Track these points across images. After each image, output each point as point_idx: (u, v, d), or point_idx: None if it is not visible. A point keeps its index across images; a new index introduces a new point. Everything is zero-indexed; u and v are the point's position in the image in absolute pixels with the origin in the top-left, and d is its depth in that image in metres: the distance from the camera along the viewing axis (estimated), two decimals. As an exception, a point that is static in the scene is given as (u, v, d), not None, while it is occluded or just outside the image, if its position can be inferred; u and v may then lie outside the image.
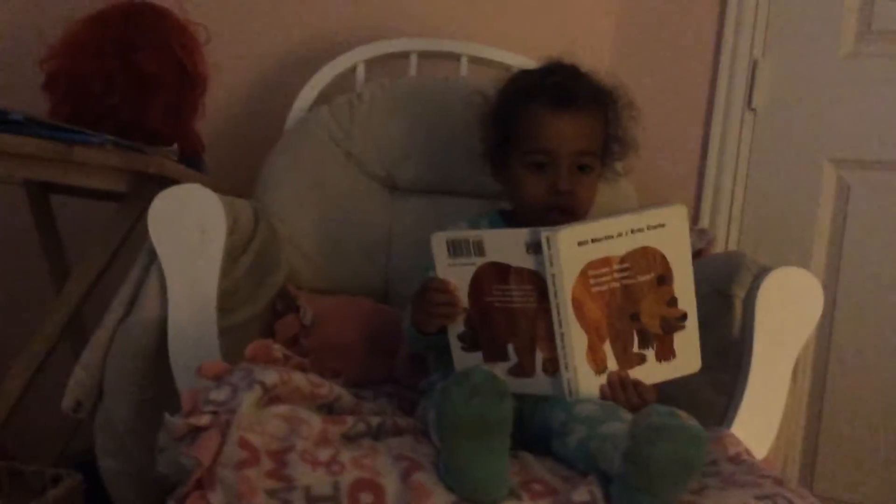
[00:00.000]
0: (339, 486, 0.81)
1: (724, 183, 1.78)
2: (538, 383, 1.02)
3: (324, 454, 0.84)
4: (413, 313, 1.10)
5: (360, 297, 1.45)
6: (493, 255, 1.00)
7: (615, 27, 1.91)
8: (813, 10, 1.70)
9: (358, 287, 1.48)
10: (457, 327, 1.05)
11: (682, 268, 1.02)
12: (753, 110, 1.76)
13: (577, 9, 1.90)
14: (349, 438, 0.90)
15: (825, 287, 1.64)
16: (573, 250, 0.95)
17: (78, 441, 1.22)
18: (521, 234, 0.97)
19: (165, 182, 1.16)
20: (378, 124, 1.51)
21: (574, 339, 0.97)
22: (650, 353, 1.02)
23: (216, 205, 1.10)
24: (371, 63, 1.63)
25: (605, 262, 0.98)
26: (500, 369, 1.02)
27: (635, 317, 1.01)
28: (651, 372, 1.03)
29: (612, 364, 1.01)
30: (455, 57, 1.66)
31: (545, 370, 1.01)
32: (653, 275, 1.00)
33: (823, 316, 1.63)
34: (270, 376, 0.89)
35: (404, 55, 1.65)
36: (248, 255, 1.20)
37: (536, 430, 1.02)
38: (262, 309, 1.28)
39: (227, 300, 1.14)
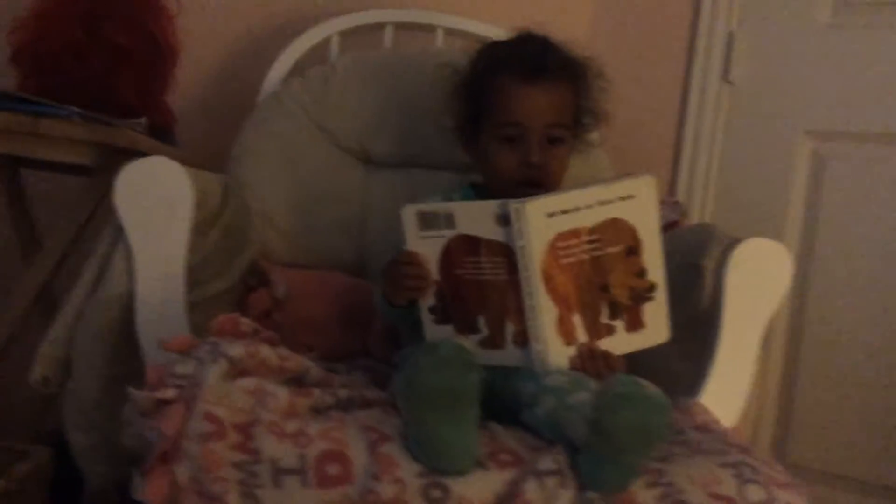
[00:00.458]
0: (305, 457, 0.82)
1: (701, 155, 1.78)
2: (509, 355, 1.02)
3: (291, 426, 0.84)
4: (384, 286, 1.10)
5: (333, 271, 1.45)
6: (464, 227, 1.00)
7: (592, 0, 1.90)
8: (789, -19, 1.70)
9: (332, 261, 1.47)
10: (428, 300, 1.05)
11: (652, 239, 1.02)
12: (730, 82, 1.76)
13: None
14: (317, 411, 0.91)
15: (799, 258, 1.67)
16: (542, 222, 0.95)
17: (49, 416, 1.22)
18: (491, 206, 0.97)
19: (134, 155, 1.15)
20: (352, 97, 1.50)
21: (543, 311, 0.98)
22: (619, 324, 1.03)
23: (183, 178, 1.09)
24: (345, 35, 1.62)
25: (575, 233, 0.98)
26: (470, 341, 1.02)
27: (605, 288, 1.01)
28: (620, 342, 1.03)
29: (581, 335, 1.01)
30: (430, 28, 1.64)
31: (515, 342, 1.01)
32: (622, 246, 1.00)
33: (797, 287, 1.66)
34: (236, 350, 0.89)
35: (379, 27, 1.63)
36: (217, 229, 1.19)
37: (507, 402, 1.02)
38: (233, 283, 1.27)
39: (196, 274, 1.14)
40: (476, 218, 0.99)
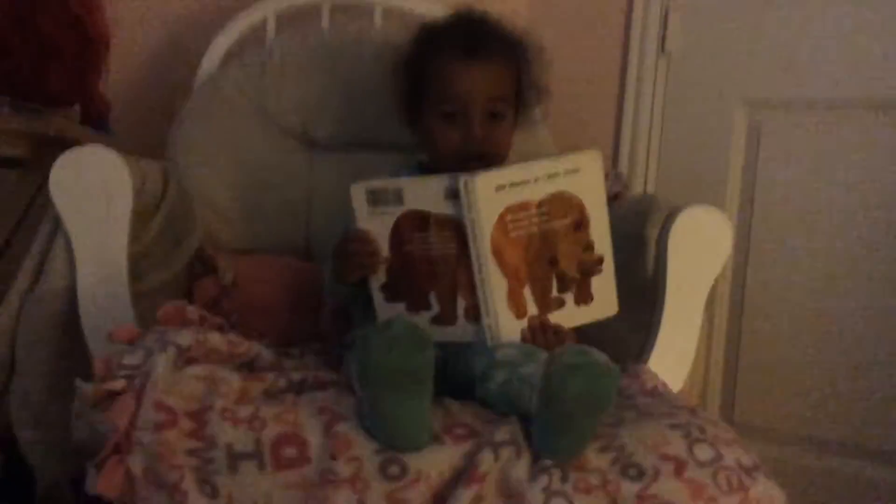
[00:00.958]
0: (261, 441, 0.82)
1: (641, 126, 1.80)
2: (461, 331, 1.03)
3: (244, 411, 0.84)
4: (334, 265, 1.10)
5: (281, 256, 1.44)
6: (413, 203, 1.00)
7: (530, -26, 1.91)
8: (722, -48, 1.73)
9: (279, 246, 1.46)
10: (378, 278, 1.06)
11: (598, 212, 1.03)
12: (667, 53, 1.79)
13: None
14: (270, 395, 0.90)
15: (739, 226, 1.70)
16: (491, 195, 0.96)
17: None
18: (440, 181, 0.98)
19: (68, 145, 1.12)
20: (291, 80, 1.48)
21: (494, 285, 0.99)
22: (569, 297, 1.04)
23: (120, 166, 1.07)
24: (281, 16, 1.59)
25: (523, 206, 0.99)
26: (422, 318, 1.03)
27: (553, 261, 1.02)
28: (570, 315, 1.05)
29: (532, 309, 1.02)
30: (368, 9, 1.63)
31: (467, 317, 1.02)
32: (570, 219, 1.02)
33: (738, 253, 1.70)
34: (185, 338, 0.88)
35: (316, 7, 1.61)
36: (158, 218, 1.17)
37: (460, 377, 1.03)
38: (177, 272, 1.26)
39: (139, 264, 1.12)
40: (425, 193, 0.99)
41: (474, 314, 1.01)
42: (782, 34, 1.67)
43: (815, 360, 1.64)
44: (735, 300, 1.73)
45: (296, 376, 0.95)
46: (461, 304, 1.02)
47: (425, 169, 1.26)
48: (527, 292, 1.01)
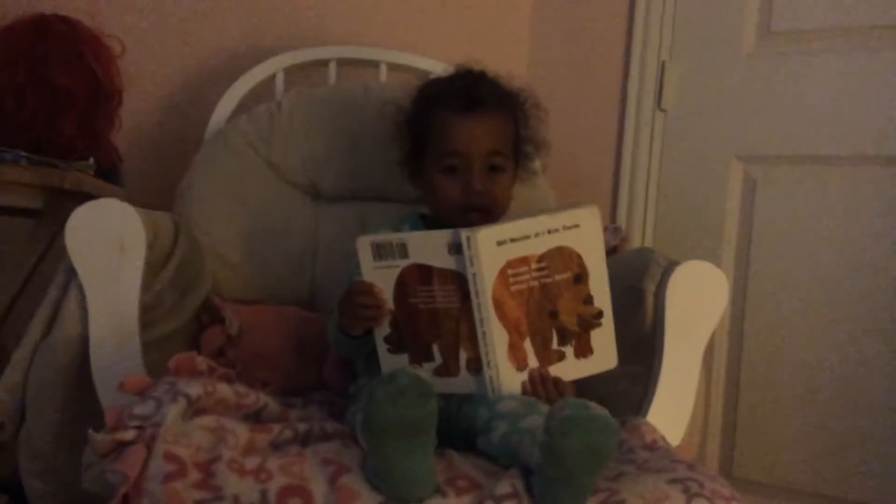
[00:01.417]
0: (267, 493, 0.82)
1: (638, 181, 1.84)
2: (463, 382, 1.04)
3: (251, 462, 0.85)
4: (340, 317, 1.11)
5: (286, 306, 1.45)
6: (417, 256, 1.02)
7: (530, 34, 1.96)
8: (716, 14, 1.77)
9: (284, 296, 1.48)
10: (383, 329, 1.07)
11: (597, 267, 1.05)
12: (664, 110, 1.83)
13: (492, 16, 1.94)
14: (276, 446, 0.91)
15: (736, 279, 1.73)
16: (492, 250, 0.98)
17: (4, 463, 1.20)
18: (443, 236, 1.00)
19: (83, 197, 1.15)
20: (299, 133, 1.51)
21: (495, 337, 1.00)
22: (569, 350, 1.06)
23: (134, 219, 1.09)
24: (290, 71, 1.64)
25: (524, 261, 1.01)
26: (425, 370, 1.04)
27: (554, 315, 1.04)
28: (570, 368, 1.06)
29: (532, 361, 1.04)
30: (374, 64, 1.68)
31: (469, 369, 1.03)
32: (569, 274, 1.04)
33: (735, 306, 1.72)
34: (195, 388, 0.89)
35: (323, 63, 1.66)
36: (169, 268, 1.19)
37: (462, 428, 1.04)
38: (186, 321, 1.27)
39: (149, 314, 1.14)
40: (428, 247, 1.01)
41: (476, 366, 1.03)
42: (775, 92, 1.71)
43: (814, 414, 1.65)
44: (733, 353, 1.74)
45: (301, 427, 0.96)
46: (463, 356, 1.03)
47: (427, 221, 1.29)
48: (527, 345, 1.03)
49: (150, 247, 1.12)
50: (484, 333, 1.00)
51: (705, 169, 1.78)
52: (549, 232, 1.01)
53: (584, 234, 1.03)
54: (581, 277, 1.04)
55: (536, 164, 1.38)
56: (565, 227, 1.02)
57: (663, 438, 1.06)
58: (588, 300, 1.06)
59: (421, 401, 0.83)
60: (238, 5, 1.81)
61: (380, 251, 1.03)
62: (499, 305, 1.00)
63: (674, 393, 1.13)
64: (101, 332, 1.07)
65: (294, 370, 1.35)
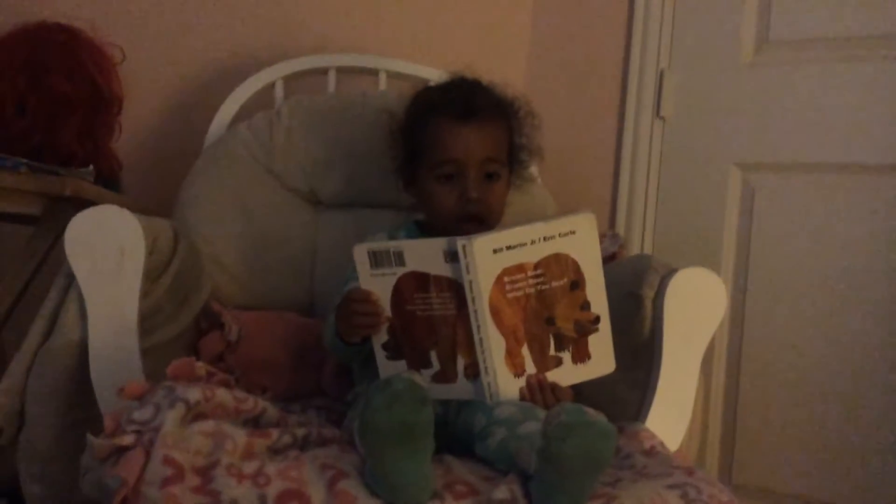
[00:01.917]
0: (265, 498, 0.82)
1: (638, 189, 1.84)
2: (460, 388, 1.05)
3: (249, 467, 0.85)
4: (338, 324, 1.12)
5: (285, 312, 1.46)
6: (413, 264, 1.02)
7: (529, 42, 1.97)
8: (714, 23, 1.78)
9: (283, 302, 1.48)
10: (380, 336, 1.07)
11: (594, 273, 1.06)
12: (662, 118, 1.83)
13: (491, 25, 1.95)
14: (275, 451, 0.92)
15: (735, 286, 1.73)
16: (489, 257, 0.99)
17: (3, 468, 1.20)
18: (439, 244, 1.00)
19: (82, 204, 1.15)
20: (298, 141, 1.52)
21: (492, 344, 1.01)
22: (566, 356, 1.06)
23: (134, 225, 1.10)
24: (289, 79, 1.64)
25: (520, 268, 1.01)
26: (423, 376, 1.05)
27: (551, 321, 1.05)
28: (567, 374, 1.06)
29: (529, 367, 1.04)
30: (373, 72, 1.68)
31: (466, 375, 1.04)
32: (566, 280, 1.04)
33: (734, 313, 1.72)
34: (193, 394, 0.90)
35: (322, 71, 1.66)
36: (168, 275, 1.20)
37: (460, 434, 1.05)
38: (185, 328, 1.27)
39: (148, 320, 1.14)
40: (425, 255, 1.02)
41: (473, 372, 1.03)
42: (774, 100, 1.72)
43: (813, 419, 1.65)
44: (732, 360, 1.74)
45: (300, 432, 0.96)
46: (461, 362, 1.04)
47: (422, 228, 1.29)
48: (525, 351, 1.04)
49: (150, 253, 1.13)
50: (481, 340, 1.00)
51: (704, 177, 1.78)
52: (545, 239, 1.02)
53: (580, 240, 1.04)
54: (578, 284, 1.05)
55: (532, 171, 1.38)
56: (561, 234, 1.03)
57: (662, 444, 1.07)
58: (585, 306, 1.06)
59: (417, 406, 0.83)
60: (238, 14, 1.82)
61: (377, 259, 1.04)
62: (496, 312, 1.00)
63: (672, 399, 1.13)
64: (100, 337, 1.07)
65: (293, 376, 1.36)
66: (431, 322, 1.04)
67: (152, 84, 1.77)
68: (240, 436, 0.89)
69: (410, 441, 0.84)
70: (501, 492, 0.86)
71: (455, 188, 1.19)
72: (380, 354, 1.08)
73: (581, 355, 1.07)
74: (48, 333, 1.10)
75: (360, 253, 1.04)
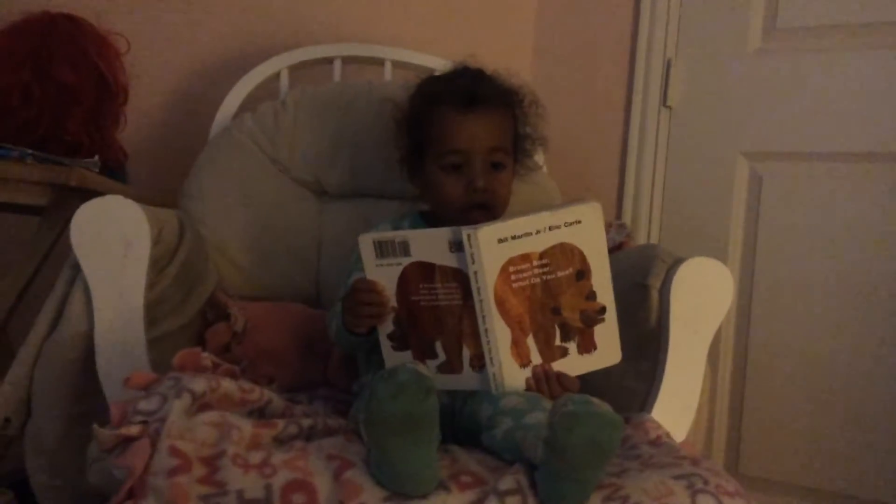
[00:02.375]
0: (271, 487, 0.82)
1: (644, 178, 1.84)
2: (466, 379, 1.04)
3: (255, 457, 0.85)
4: (343, 315, 1.12)
5: (291, 303, 1.46)
6: (419, 254, 1.02)
7: (535, 31, 1.96)
8: (721, 11, 1.77)
9: (289, 292, 1.48)
10: (386, 327, 1.07)
11: (600, 262, 1.05)
12: (669, 107, 1.83)
13: (497, 14, 1.94)
14: (281, 441, 0.92)
15: (742, 275, 1.73)
16: (494, 247, 0.98)
17: (10, 458, 1.21)
18: (444, 234, 1.00)
19: (87, 194, 1.15)
20: (303, 131, 1.52)
21: (498, 334, 1.00)
22: (572, 346, 1.06)
23: (139, 215, 1.10)
24: (294, 69, 1.64)
25: (526, 258, 1.01)
26: (429, 366, 1.05)
27: (556, 311, 1.04)
28: (573, 364, 1.06)
29: (535, 358, 1.04)
30: (379, 62, 1.68)
31: (472, 366, 1.04)
32: (571, 270, 1.04)
33: (741, 303, 1.72)
34: (199, 384, 0.90)
35: (328, 61, 1.66)
36: (174, 265, 1.20)
37: (467, 425, 1.04)
38: (191, 318, 1.27)
39: (154, 311, 1.14)
40: (430, 245, 1.01)
41: (479, 363, 1.03)
42: (781, 88, 1.71)
43: (819, 410, 1.65)
44: (739, 350, 1.74)
45: (305, 423, 0.96)
46: (466, 352, 1.03)
47: (427, 219, 1.29)
48: (530, 341, 1.03)
49: (155, 243, 1.13)
50: (486, 330, 1.00)
51: (711, 166, 1.78)
52: (550, 229, 1.01)
53: (586, 229, 1.03)
54: (583, 273, 1.04)
55: (536, 160, 1.38)
56: (567, 224, 1.02)
57: (668, 435, 1.06)
58: (591, 296, 1.06)
59: (421, 396, 0.83)
60: (242, 4, 1.82)
61: (382, 249, 1.03)
62: (501, 303, 1.00)
63: (679, 389, 1.12)
64: (106, 328, 1.08)
65: (299, 367, 1.36)
66: (437, 312, 1.03)
67: (157, 74, 1.77)
68: (246, 426, 0.89)
69: (415, 431, 0.83)
70: (507, 482, 0.86)
71: (461, 178, 1.19)
72: (385, 345, 1.08)
73: (587, 345, 1.07)
74: (54, 324, 1.11)
75: (366, 243, 1.04)
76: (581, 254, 1.04)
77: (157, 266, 1.16)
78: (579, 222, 1.03)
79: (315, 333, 1.37)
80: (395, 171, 1.33)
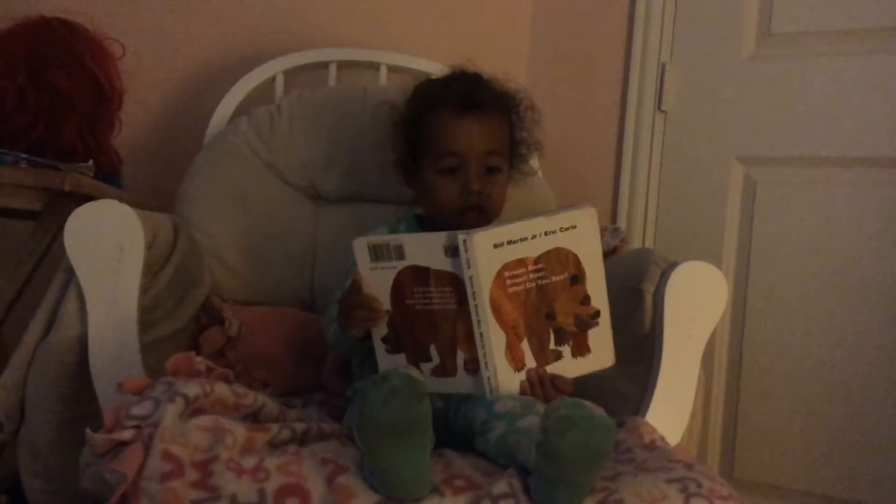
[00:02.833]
0: (264, 492, 0.82)
1: (639, 182, 1.84)
2: (460, 382, 1.04)
3: (249, 462, 0.85)
4: (340, 318, 1.11)
5: (285, 307, 1.46)
6: (413, 258, 1.02)
7: (530, 36, 1.96)
8: (716, 16, 1.78)
9: (283, 297, 1.48)
10: (380, 330, 1.07)
11: (594, 267, 1.05)
12: (664, 112, 1.83)
13: (493, 19, 1.94)
14: (274, 446, 0.92)
15: (737, 280, 1.73)
16: (489, 252, 0.98)
17: (3, 462, 1.20)
18: (440, 238, 1.00)
19: (82, 199, 1.15)
20: (298, 135, 1.52)
21: (493, 339, 1.00)
22: (566, 350, 1.06)
23: (133, 220, 1.10)
24: (290, 73, 1.64)
25: (521, 263, 1.01)
26: (423, 370, 1.05)
27: (551, 315, 1.04)
28: (568, 367, 1.06)
29: (529, 361, 1.04)
30: (374, 66, 1.68)
31: (467, 369, 1.03)
32: (566, 275, 1.04)
33: (736, 307, 1.72)
34: (192, 389, 0.90)
35: (323, 65, 1.66)
36: (168, 270, 1.20)
37: (460, 429, 1.05)
38: (185, 322, 1.27)
39: (148, 315, 1.14)
40: (425, 249, 1.01)
41: (474, 366, 1.03)
42: (776, 94, 1.71)
43: (814, 414, 1.65)
44: (734, 353, 1.74)
45: (299, 427, 0.96)
46: (461, 356, 1.03)
47: (423, 221, 1.29)
48: (525, 346, 1.03)
49: (149, 248, 1.13)
50: (481, 335, 1.00)
51: (705, 170, 1.78)
52: (545, 234, 1.01)
53: (580, 234, 1.03)
54: (578, 278, 1.04)
55: (532, 164, 1.38)
56: (562, 229, 1.02)
57: (662, 438, 1.06)
58: (585, 300, 1.06)
59: (414, 401, 0.83)
60: (238, 8, 1.82)
61: (377, 253, 1.03)
62: (496, 307, 1.00)
63: (673, 393, 1.12)
64: (100, 332, 1.08)
65: (293, 371, 1.35)
66: (431, 316, 1.03)
67: (152, 79, 1.77)
68: (239, 430, 0.89)
69: (408, 436, 0.84)
70: (501, 486, 0.86)
71: (457, 181, 1.19)
72: (379, 348, 1.08)
73: (581, 349, 1.07)
74: (48, 328, 1.11)
75: (360, 246, 1.04)
76: (576, 258, 1.04)
77: (151, 270, 1.16)
78: (574, 227, 1.03)
79: (310, 338, 1.37)
80: (390, 176, 1.33)
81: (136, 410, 0.87)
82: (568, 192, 1.71)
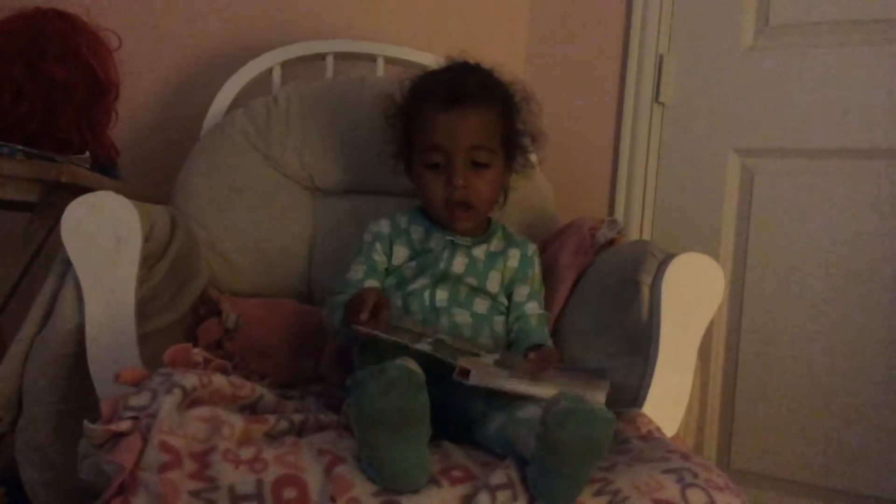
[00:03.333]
0: (262, 483, 0.82)
1: (637, 174, 1.84)
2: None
3: (246, 453, 0.85)
4: (348, 314, 1.11)
5: (283, 299, 1.46)
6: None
7: (528, 27, 1.96)
8: (714, 8, 1.78)
9: (281, 289, 1.48)
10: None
11: None
12: (661, 104, 1.83)
13: (490, 10, 1.94)
14: (272, 437, 0.92)
15: (734, 271, 1.73)
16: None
17: (2, 454, 1.21)
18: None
19: (79, 191, 1.15)
20: (296, 127, 1.52)
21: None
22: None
23: (131, 212, 1.09)
24: (287, 65, 1.64)
25: None
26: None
27: None
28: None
29: None
30: (371, 58, 1.68)
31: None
32: None
33: (733, 298, 1.72)
34: (190, 380, 0.90)
35: (320, 57, 1.66)
36: (165, 261, 1.19)
37: (459, 419, 1.05)
38: (183, 314, 1.27)
39: (145, 307, 1.14)
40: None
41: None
42: (774, 85, 1.71)
43: (811, 405, 1.66)
44: (731, 344, 1.75)
45: (297, 418, 0.96)
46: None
47: (424, 213, 1.29)
48: None
49: (147, 239, 1.12)
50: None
51: (703, 162, 1.78)
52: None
53: None
54: None
55: (533, 156, 1.38)
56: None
57: (659, 429, 1.07)
58: None
59: (411, 392, 0.83)
60: (235, -1, 1.81)
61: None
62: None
63: (670, 384, 1.13)
64: (97, 324, 1.07)
65: (291, 363, 1.35)
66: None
67: (149, 71, 1.77)
68: (237, 421, 0.89)
69: (406, 427, 0.84)
70: (498, 476, 0.86)
71: (442, 175, 1.19)
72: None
73: None
74: (45, 320, 1.10)
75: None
76: None
77: (149, 262, 1.15)
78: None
79: (307, 329, 1.37)
80: (388, 168, 1.33)
81: (134, 401, 0.87)
82: (565, 185, 1.71)
